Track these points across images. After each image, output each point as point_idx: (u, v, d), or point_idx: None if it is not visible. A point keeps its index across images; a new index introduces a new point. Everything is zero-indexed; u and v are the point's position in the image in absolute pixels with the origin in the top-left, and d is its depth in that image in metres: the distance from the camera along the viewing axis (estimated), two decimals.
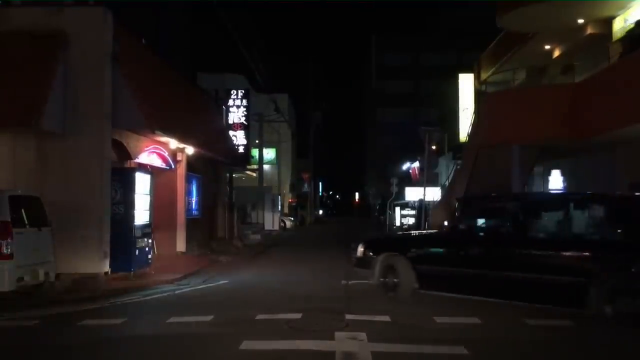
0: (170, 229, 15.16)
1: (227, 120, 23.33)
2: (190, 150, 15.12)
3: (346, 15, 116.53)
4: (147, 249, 11.27)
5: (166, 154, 14.32)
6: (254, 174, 32.14)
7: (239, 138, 23.97)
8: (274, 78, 46.25)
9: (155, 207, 14.85)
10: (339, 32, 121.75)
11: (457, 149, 27.83)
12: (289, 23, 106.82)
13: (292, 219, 37.75)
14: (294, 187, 46.04)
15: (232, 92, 24.14)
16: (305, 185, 49.56)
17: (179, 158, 15.18)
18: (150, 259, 11.47)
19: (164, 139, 13.30)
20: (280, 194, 36.67)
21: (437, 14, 66.23)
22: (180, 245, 15.24)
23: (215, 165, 19.98)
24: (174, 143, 13.80)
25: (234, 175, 27.07)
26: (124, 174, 10.84)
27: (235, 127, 23.89)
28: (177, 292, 9.58)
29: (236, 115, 24.09)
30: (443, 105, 38.89)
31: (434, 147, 34.64)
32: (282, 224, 34.41)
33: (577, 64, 16.49)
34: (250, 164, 27.01)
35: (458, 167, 25.30)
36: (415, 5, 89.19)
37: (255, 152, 31.92)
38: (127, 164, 12.12)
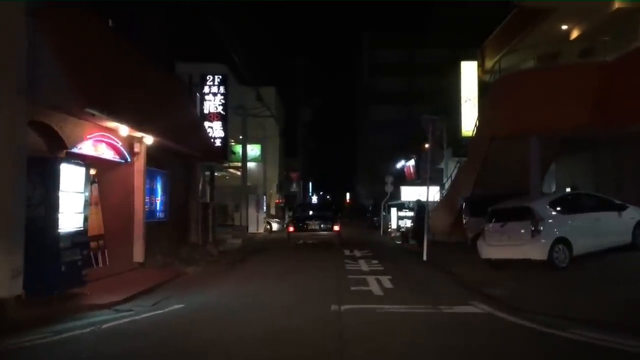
0: (126, 235, 12.64)
1: (202, 109, 20.80)
2: (149, 139, 12.59)
3: (338, 10, 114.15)
4: (79, 263, 8.71)
5: (119, 144, 11.79)
6: (238, 172, 29.66)
7: (215, 130, 21.32)
8: (263, 72, 43.85)
9: (106, 209, 12.48)
10: (330, 27, 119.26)
11: (457, 144, 25.54)
12: (280, 16, 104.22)
13: (279, 220, 35.22)
14: (281, 187, 43.48)
15: (207, 78, 21.45)
16: (294, 185, 47.04)
17: (136, 149, 12.64)
18: (84, 275, 8.90)
19: (112, 124, 10.76)
20: (266, 194, 34.16)
21: (430, 9, 63.85)
22: (138, 255, 12.69)
23: (188, 160, 17.45)
24: (124, 129, 11.23)
25: (216, 174, 24.67)
26: (45, 166, 8.25)
27: (211, 117, 21.25)
28: (105, 326, 7.00)
29: (212, 104, 21.41)
30: (439, 99, 36.70)
31: (427, 146, 32.60)
32: (268, 226, 31.93)
33: (607, 39, 14.10)
34: (228, 160, 24.40)
35: (459, 164, 23.06)
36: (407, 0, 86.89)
37: (238, 148, 29.44)
38: (60, 155, 9.52)
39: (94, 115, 9.49)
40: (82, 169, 8.86)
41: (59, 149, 9.67)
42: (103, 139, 11.17)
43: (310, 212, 20.94)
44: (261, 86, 30.87)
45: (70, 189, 8.50)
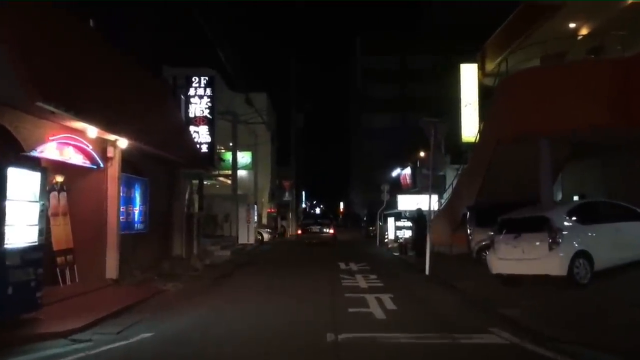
0: (98, 248, 11.39)
1: (187, 113, 19.59)
2: (123, 143, 11.37)
3: (332, 15, 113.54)
4: (32, 283, 7.45)
5: (89, 148, 10.55)
6: (228, 181, 28.47)
7: (201, 135, 20.05)
8: (254, 78, 42.79)
9: (76, 220, 11.23)
10: (323, 32, 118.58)
11: (457, 151, 24.48)
12: (272, 21, 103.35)
13: (270, 230, 33.93)
14: (273, 196, 42.23)
15: (193, 79, 20.20)
16: (287, 194, 45.78)
17: (109, 154, 11.42)
18: (39, 298, 7.64)
19: (78, 124, 9.55)
20: (257, 203, 32.91)
21: (424, 15, 62.99)
22: (112, 271, 11.42)
23: (171, 167, 16.23)
24: (93, 131, 10.01)
25: (205, 182, 23.41)
26: None
27: (197, 121, 19.99)
28: None
29: (198, 107, 20.14)
30: (435, 105, 35.70)
31: (422, 154, 31.50)
32: (260, 237, 30.66)
33: (623, 33, 13.04)
34: (216, 166, 23.12)
35: (460, 171, 22.00)
36: (401, 5, 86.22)
37: (228, 156, 28.27)
38: (11, 158, 8.28)
39: (53, 112, 8.28)
40: (37, 175, 7.63)
41: (14, 152, 8.46)
42: (69, 142, 9.93)
43: (313, 220, 30.71)
44: (252, 92, 29.82)
45: (22, 197, 7.27)
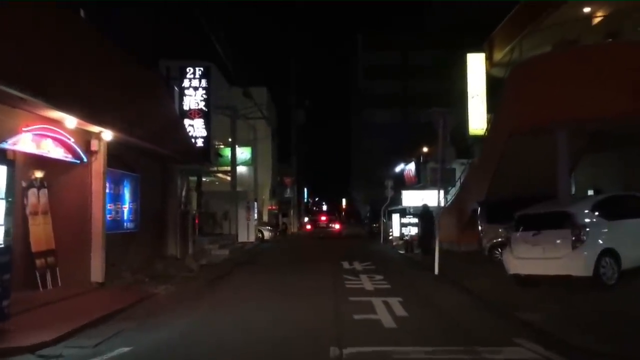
0: (82, 249, 10.56)
1: (181, 105, 18.71)
2: (108, 135, 10.52)
3: (333, 11, 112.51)
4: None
5: (71, 141, 9.72)
6: (228, 177, 27.68)
7: (196, 128, 19.18)
8: (255, 74, 42.03)
9: (58, 219, 10.42)
10: (324, 28, 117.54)
11: (463, 144, 23.57)
12: (274, 16, 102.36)
13: (271, 228, 33.09)
14: (274, 193, 41.40)
15: (187, 70, 19.32)
16: (288, 191, 44.97)
17: (93, 147, 10.55)
18: (5, 307, 6.79)
19: (55, 113, 8.68)
20: (257, 200, 32.08)
21: (426, 11, 62.03)
22: (97, 273, 10.58)
23: (165, 162, 15.40)
24: (71, 121, 9.14)
25: (204, 179, 22.66)
26: None
27: (191, 114, 19.11)
28: None
29: (193, 99, 19.27)
30: (436, 101, 34.76)
31: (425, 149, 30.60)
32: (260, 235, 29.85)
33: None
34: (212, 162, 22.20)
35: (467, 165, 21.18)
36: (402, 2, 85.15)
37: (227, 151, 27.45)
38: None
39: (23, 99, 7.41)
40: (4, 168, 6.78)
41: None
42: (47, 133, 9.09)
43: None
44: (252, 86, 28.97)
45: None
